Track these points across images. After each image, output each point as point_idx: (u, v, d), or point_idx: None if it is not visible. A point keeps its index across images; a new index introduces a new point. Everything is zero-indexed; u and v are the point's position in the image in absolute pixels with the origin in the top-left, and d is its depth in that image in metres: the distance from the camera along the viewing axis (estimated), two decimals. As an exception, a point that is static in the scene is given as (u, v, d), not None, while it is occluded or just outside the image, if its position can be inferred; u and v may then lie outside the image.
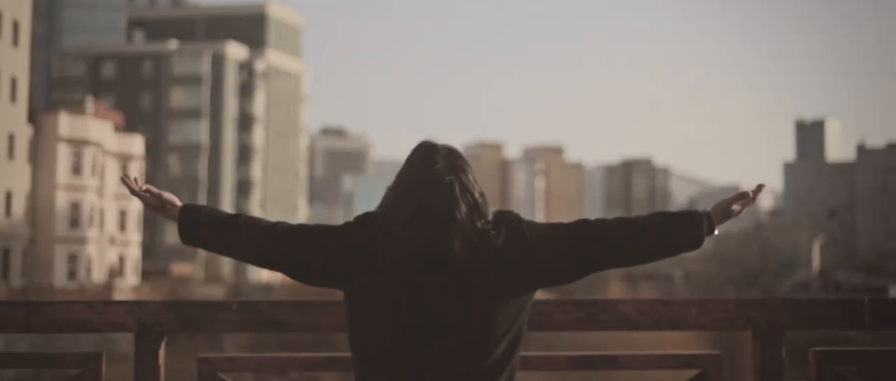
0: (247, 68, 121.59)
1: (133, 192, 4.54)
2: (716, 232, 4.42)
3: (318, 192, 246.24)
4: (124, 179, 4.57)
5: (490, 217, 4.20)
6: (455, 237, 4.11)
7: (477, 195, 4.18)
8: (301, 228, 4.34)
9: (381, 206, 4.25)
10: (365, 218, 4.26)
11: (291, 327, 5.07)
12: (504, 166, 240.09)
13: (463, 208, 4.12)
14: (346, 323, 4.28)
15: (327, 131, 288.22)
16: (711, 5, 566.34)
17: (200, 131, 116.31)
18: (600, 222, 4.31)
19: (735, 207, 4.42)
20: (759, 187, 4.47)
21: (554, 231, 4.26)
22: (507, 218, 4.24)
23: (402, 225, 4.11)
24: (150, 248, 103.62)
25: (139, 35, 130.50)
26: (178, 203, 4.51)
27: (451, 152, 4.30)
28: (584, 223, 4.31)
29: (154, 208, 4.54)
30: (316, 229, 4.33)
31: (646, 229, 4.30)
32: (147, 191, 4.54)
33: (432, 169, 4.20)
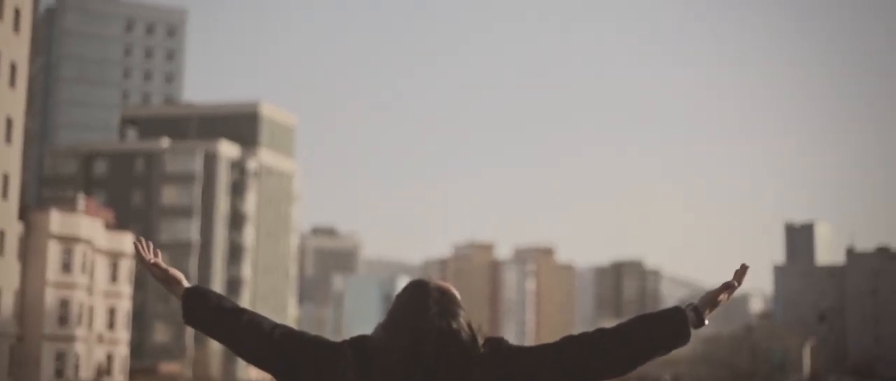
0: (239, 167, 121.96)
1: (142, 259, 4.67)
2: (706, 322, 4.50)
3: (308, 291, 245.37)
4: (137, 245, 4.69)
5: (481, 348, 4.34)
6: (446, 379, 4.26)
7: (468, 338, 4.31)
8: (300, 334, 4.48)
9: (372, 340, 4.37)
10: (361, 340, 4.39)
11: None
12: (495, 267, 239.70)
13: (455, 354, 4.27)
14: None
15: (318, 231, 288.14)
16: (702, 107, 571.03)
17: (191, 230, 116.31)
18: (586, 335, 4.43)
19: (721, 296, 4.52)
20: (743, 268, 4.57)
21: (542, 351, 4.37)
22: (497, 345, 4.37)
23: (396, 362, 4.24)
24: (139, 347, 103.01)
25: (132, 133, 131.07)
26: (185, 283, 4.68)
27: (443, 296, 4.40)
28: (569, 340, 4.43)
29: (160, 281, 4.68)
30: (314, 340, 4.47)
31: (630, 333, 4.40)
32: (155, 265, 4.67)
33: (425, 315, 4.31)
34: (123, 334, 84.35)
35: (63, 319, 73.52)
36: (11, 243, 69.84)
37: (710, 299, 4.53)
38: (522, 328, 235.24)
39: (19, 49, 70.98)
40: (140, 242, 4.75)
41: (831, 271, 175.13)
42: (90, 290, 77.86)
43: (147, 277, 76.46)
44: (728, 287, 4.55)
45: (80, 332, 74.85)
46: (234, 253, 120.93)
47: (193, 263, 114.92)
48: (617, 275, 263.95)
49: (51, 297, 72.80)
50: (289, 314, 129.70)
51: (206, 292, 4.62)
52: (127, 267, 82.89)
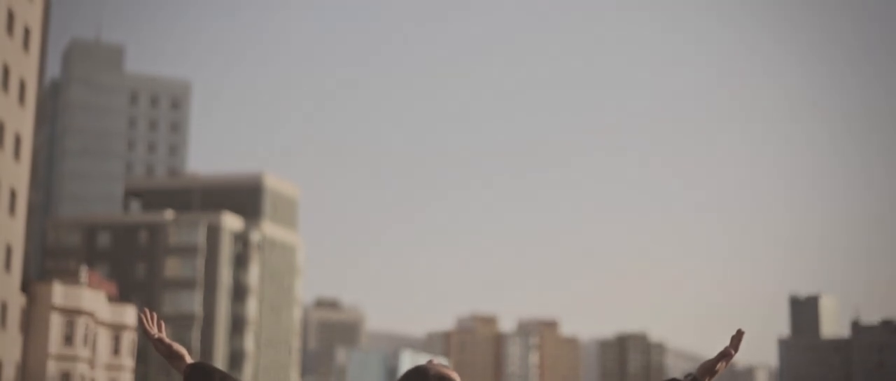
0: (242, 239, 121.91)
1: (147, 332, 4.66)
2: None
3: (311, 365, 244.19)
4: (143, 316, 4.68)
5: None
6: None
7: None
8: None
9: None
10: None
11: None
12: (498, 340, 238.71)
13: None
14: None
15: (321, 303, 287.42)
16: (705, 180, 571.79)
17: (194, 302, 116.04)
18: None
19: (719, 365, 4.49)
20: (739, 333, 4.54)
21: None
22: None
23: None
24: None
25: (135, 205, 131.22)
26: (188, 358, 4.61)
27: None
28: None
29: (164, 356, 4.65)
30: None
31: None
32: (159, 340, 4.66)
33: None
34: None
35: (64, 392, 73.09)
36: (14, 315, 69.65)
37: (708, 368, 4.51)
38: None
39: (24, 121, 71.29)
40: (145, 314, 4.74)
41: (837, 345, 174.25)
42: (92, 363, 77.52)
43: (149, 350, 76.00)
44: (725, 355, 4.53)
45: (81, 405, 74.38)
46: (237, 326, 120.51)
47: (196, 335, 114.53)
48: (621, 348, 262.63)
49: (53, 370, 72.45)
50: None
51: (209, 370, 4.58)
52: (129, 340, 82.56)
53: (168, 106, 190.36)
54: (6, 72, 68.40)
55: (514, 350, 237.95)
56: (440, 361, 4.30)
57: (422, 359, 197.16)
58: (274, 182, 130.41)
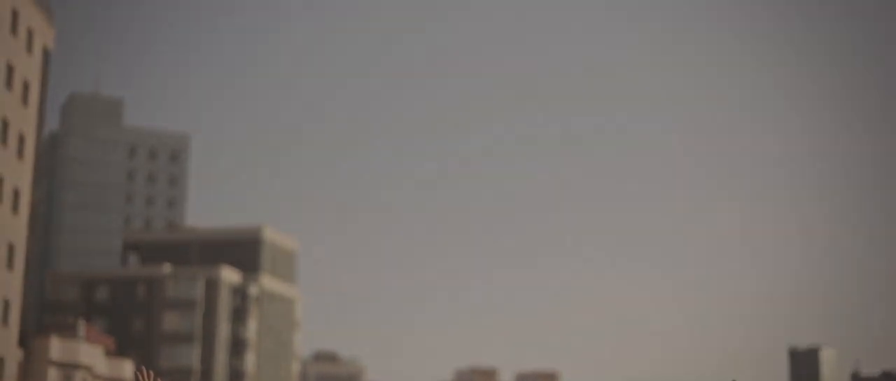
0: (240, 293, 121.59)
1: None
2: None
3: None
4: (138, 374, 4.54)
5: None
6: None
7: None
8: None
9: None
10: None
11: None
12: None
13: None
14: None
15: (320, 356, 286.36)
16: (703, 231, 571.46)
17: (192, 356, 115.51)
18: None
19: None
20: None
21: None
22: None
23: None
24: None
25: (134, 259, 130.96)
26: None
27: None
28: None
29: None
30: None
31: None
32: None
33: None
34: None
35: (61, 447, 72.59)
36: (11, 370, 69.21)
37: None
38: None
39: (23, 175, 71.21)
40: (141, 371, 4.59)
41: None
42: (89, 418, 76.98)
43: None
44: None
45: (77, 461, 73.81)
46: (235, 380, 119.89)
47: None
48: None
49: (49, 425, 71.96)
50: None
51: None
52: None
53: (167, 159, 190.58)
54: (5, 125, 68.43)
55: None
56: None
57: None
58: (272, 235, 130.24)
